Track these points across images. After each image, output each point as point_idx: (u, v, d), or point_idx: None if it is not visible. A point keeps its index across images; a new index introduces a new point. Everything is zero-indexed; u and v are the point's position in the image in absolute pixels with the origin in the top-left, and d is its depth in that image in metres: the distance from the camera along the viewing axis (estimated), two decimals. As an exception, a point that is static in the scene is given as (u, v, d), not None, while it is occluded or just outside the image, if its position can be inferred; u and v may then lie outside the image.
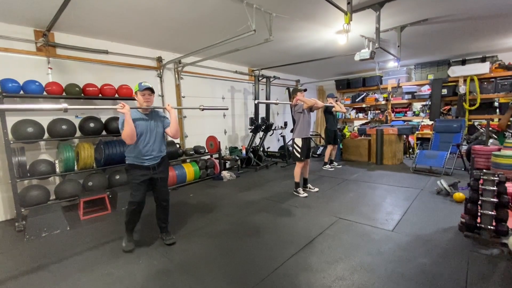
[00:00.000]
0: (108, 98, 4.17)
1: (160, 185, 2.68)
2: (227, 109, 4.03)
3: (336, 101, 5.92)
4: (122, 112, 2.38)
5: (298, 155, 4.08)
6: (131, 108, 2.45)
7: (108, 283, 2.11)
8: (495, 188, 2.47)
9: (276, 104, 4.84)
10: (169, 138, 5.36)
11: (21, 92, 3.38)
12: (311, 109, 4.14)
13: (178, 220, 3.33)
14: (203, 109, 3.23)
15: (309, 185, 4.32)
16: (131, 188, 2.60)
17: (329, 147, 5.98)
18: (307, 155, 4.17)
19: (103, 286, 2.07)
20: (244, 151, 6.32)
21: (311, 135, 8.54)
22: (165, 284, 2.05)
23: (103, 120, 4.14)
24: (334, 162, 6.14)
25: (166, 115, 2.79)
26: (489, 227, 2.46)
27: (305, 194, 4.09)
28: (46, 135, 3.61)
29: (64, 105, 2.19)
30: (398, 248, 2.45)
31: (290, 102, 4.24)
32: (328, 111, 5.87)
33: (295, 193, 4.16)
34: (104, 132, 4.12)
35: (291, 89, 8.17)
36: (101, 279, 2.16)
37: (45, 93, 3.55)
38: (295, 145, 4.13)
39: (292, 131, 7.08)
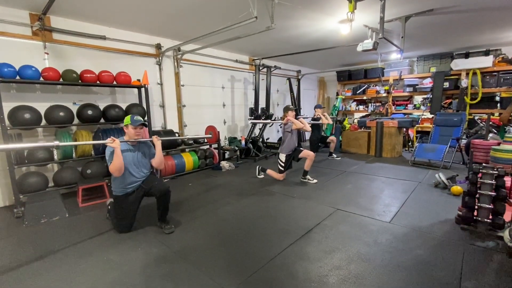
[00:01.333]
0: (106, 85, 4.10)
1: (152, 185, 2.69)
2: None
3: (324, 113, 6.09)
4: (113, 146, 2.44)
5: (281, 168, 4.36)
6: (120, 141, 2.52)
7: (107, 269, 2.12)
8: (493, 181, 2.47)
9: (270, 125, 4.95)
10: (168, 127, 5.36)
11: (17, 77, 3.32)
12: (298, 130, 4.35)
13: (177, 208, 3.34)
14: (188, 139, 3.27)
15: (307, 177, 4.34)
16: (117, 213, 2.70)
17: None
18: (290, 166, 4.43)
19: (102, 272, 2.09)
20: (243, 142, 6.30)
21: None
22: (164, 271, 2.07)
23: (102, 108, 4.09)
24: (333, 154, 6.14)
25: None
26: (485, 220, 2.48)
27: (315, 180, 4.28)
28: (43, 122, 3.57)
29: (56, 143, 2.30)
30: (394, 239, 2.48)
31: (282, 121, 4.47)
32: (315, 121, 6.07)
33: (303, 180, 4.34)
34: (102, 120, 4.08)
35: (291, 80, 8.12)
36: (100, 265, 2.17)
37: (41, 78, 3.49)
38: (279, 160, 4.37)
39: (278, 144, 7.16)
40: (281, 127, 4.61)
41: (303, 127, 4.25)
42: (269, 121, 6.07)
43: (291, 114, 4.30)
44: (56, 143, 2.30)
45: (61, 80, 3.65)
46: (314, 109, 6.22)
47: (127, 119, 2.62)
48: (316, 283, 1.89)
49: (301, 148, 4.44)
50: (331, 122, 6.31)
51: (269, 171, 4.48)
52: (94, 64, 4.18)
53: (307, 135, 7.51)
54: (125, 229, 2.72)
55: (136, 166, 2.67)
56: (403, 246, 2.35)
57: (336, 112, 9.15)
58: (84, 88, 4.13)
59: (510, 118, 5.64)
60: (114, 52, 4.48)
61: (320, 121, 6.02)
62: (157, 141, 2.76)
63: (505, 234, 2.25)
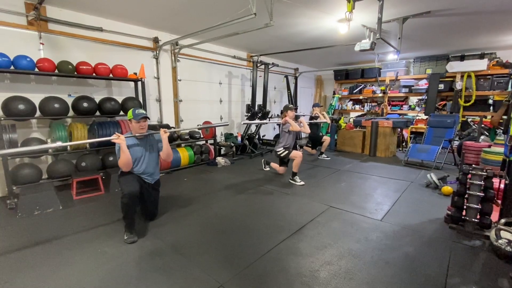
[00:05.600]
0: (102, 77, 4.07)
1: (151, 198, 2.80)
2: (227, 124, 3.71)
3: (322, 112, 6.13)
4: (117, 142, 2.46)
5: (284, 160, 4.34)
6: (126, 137, 2.54)
7: (101, 261, 2.14)
8: (482, 182, 2.54)
9: (265, 123, 4.90)
10: (164, 122, 5.35)
11: (12, 67, 3.28)
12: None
13: (172, 203, 3.35)
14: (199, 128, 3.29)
15: (295, 178, 4.28)
16: (121, 186, 2.51)
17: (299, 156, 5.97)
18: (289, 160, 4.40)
19: (96, 264, 2.10)
20: (239, 138, 6.31)
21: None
22: (158, 264, 2.10)
23: (97, 100, 4.05)
24: (323, 154, 6.17)
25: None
26: (473, 220, 2.55)
27: (302, 183, 4.12)
28: (38, 113, 3.54)
29: None
30: (385, 236, 2.53)
31: (280, 121, 4.42)
32: (312, 119, 6.06)
33: (291, 181, 4.21)
34: (98, 113, 4.05)
35: (289, 77, 8.13)
36: (94, 258, 2.19)
37: (36, 69, 3.45)
38: (276, 153, 4.35)
39: (274, 141, 7.16)
40: (279, 126, 4.62)
41: (300, 129, 4.19)
42: (264, 121, 5.93)
43: (290, 114, 4.20)
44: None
45: (56, 71, 3.61)
46: (313, 107, 6.22)
47: (130, 113, 2.60)
48: (307, 278, 1.94)
49: (291, 149, 4.37)
50: (329, 121, 6.37)
51: (272, 164, 4.62)
52: (90, 56, 4.14)
53: (303, 134, 7.54)
54: (127, 195, 2.40)
55: (145, 159, 2.70)
56: (393, 244, 2.41)
57: (333, 110, 9.21)
58: (79, 80, 4.09)
59: (501, 121, 5.75)
60: (111, 44, 4.44)
61: (318, 120, 6.02)
62: (164, 134, 2.75)
63: (492, 233, 2.32)
